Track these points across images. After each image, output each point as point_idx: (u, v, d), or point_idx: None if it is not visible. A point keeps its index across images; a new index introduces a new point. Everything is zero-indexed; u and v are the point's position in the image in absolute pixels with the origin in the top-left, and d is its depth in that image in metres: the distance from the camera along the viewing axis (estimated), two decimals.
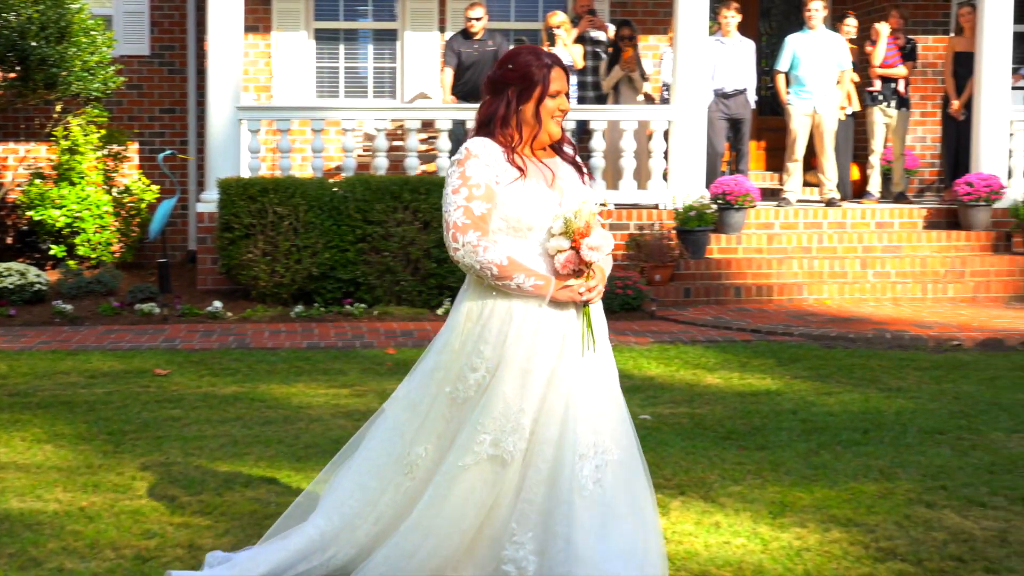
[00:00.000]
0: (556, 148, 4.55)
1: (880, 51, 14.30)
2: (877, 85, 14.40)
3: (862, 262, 12.89)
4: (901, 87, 14.48)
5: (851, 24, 14.41)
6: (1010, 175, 13.71)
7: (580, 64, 13.91)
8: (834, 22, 14.93)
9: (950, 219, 13.64)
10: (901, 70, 14.40)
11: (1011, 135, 13.76)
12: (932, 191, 15.92)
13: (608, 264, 4.51)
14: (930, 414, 7.76)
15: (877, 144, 14.42)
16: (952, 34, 14.97)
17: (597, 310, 4.49)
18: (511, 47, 4.24)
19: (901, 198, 14.57)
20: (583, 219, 4.28)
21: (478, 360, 4.33)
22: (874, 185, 14.38)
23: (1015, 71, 14.45)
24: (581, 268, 4.33)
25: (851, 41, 14.24)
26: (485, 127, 4.46)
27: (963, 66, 14.25)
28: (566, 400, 4.30)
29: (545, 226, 4.34)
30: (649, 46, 15.36)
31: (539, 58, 4.45)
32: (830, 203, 13.68)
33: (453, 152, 13.45)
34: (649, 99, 14.55)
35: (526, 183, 4.36)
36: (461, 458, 4.30)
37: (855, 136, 14.74)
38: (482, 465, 4.28)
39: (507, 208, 4.33)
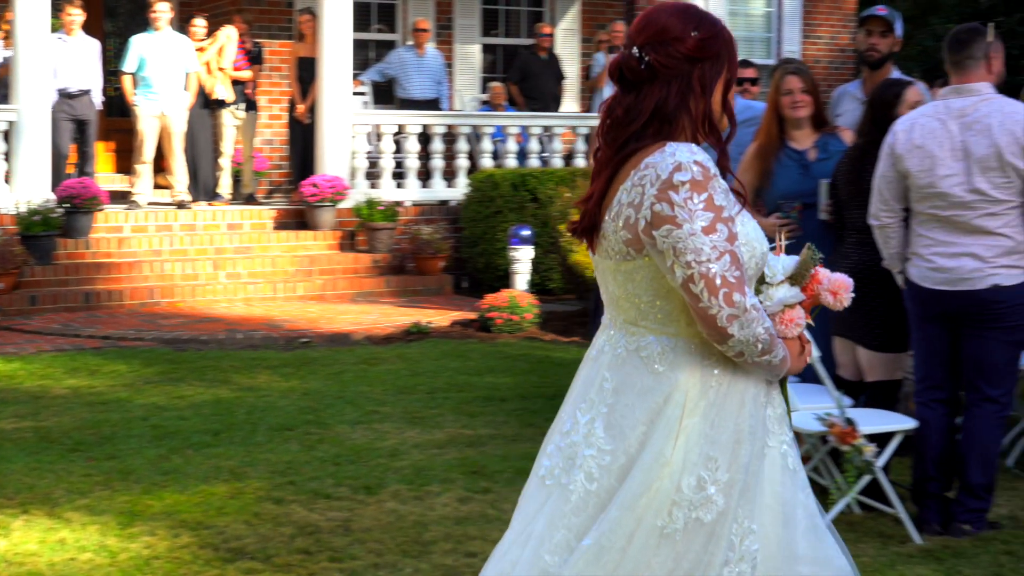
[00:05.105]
0: None
1: (228, 54, 14.44)
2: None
3: (214, 263, 12.96)
4: (249, 90, 14.71)
5: (199, 25, 14.43)
6: (353, 176, 14.30)
7: None
8: (181, 24, 14.88)
9: (299, 220, 14.01)
10: (248, 73, 14.63)
11: (353, 137, 14.36)
12: (282, 192, 16.28)
13: None
14: (280, 411, 7.94)
15: (227, 146, 14.54)
16: (295, 40, 15.39)
17: None
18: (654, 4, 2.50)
19: (251, 199, 14.78)
20: (811, 258, 3.08)
21: (707, 474, 2.81)
22: (224, 186, 14.49)
23: (355, 77, 15.08)
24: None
25: (199, 43, 14.26)
26: (660, 128, 2.87)
27: (306, 71, 14.69)
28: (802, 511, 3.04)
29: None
30: None
31: (715, 23, 2.92)
32: (181, 205, 13.65)
33: None
34: None
35: (749, 215, 2.96)
36: None
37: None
38: None
39: (746, 250, 2.89)
